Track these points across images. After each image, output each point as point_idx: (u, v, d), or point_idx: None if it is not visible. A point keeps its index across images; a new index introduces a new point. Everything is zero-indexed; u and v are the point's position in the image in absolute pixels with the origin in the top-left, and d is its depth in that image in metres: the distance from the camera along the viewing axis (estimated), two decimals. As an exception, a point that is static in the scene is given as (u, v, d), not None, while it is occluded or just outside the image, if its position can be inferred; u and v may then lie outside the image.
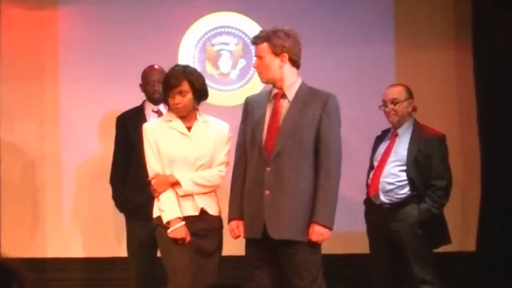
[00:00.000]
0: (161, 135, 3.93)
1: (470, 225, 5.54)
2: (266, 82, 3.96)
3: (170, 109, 4.01)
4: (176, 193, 3.89)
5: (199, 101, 4.01)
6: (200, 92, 3.97)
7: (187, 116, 3.98)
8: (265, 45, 3.86)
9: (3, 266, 1.95)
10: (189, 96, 3.93)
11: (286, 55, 3.85)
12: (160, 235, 3.93)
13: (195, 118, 3.99)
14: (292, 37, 3.88)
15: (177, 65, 4.11)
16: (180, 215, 3.85)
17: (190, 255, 3.84)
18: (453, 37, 5.79)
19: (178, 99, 3.92)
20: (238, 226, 3.90)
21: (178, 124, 3.96)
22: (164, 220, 3.85)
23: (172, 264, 3.86)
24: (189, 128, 3.97)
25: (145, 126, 4.04)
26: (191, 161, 3.91)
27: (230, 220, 3.94)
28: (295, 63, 3.90)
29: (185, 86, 3.92)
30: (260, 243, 3.82)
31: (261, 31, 4.02)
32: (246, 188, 3.88)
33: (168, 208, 3.86)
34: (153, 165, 3.93)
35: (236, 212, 3.91)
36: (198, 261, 3.87)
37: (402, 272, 4.54)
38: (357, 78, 5.71)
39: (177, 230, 3.83)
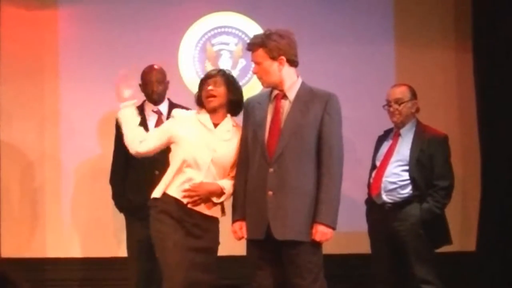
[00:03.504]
0: (187, 124, 3.92)
1: (470, 225, 5.55)
2: (267, 86, 3.94)
3: (203, 101, 3.95)
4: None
5: (232, 110, 3.99)
6: (234, 99, 3.98)
7: (216, 113, 3.95)
8: (260, 51, 3.83)
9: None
10: (222, 89, 3.94)
11: (283, 58, 3.82)
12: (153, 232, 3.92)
13: (224, 118, 3.97)
14: (286, 37, 3.84)
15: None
16: None
17: (183, 252, 3.81)
18: (453, 37, 5.81)
19: (211, 86, 3.92)
20: (241, 227, 3.88)
21: (206, 118, 3.94)
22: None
23: (165, 260, 3.83)
24: (215, 125, 3.95)
25: (175, 113, 4.04)
26: (207, 154, 3.87)
27: (233, 221, 3.92)
28: (293, 63, 3.88)
29: (220, 80, 3.95)
30: (262, 243, 3.81)
31: (254, 37, 3.96)
32: (248, 189, 3.87)
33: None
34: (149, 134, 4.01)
35: (239, 213, 3.89)
36: (193, 257, 3.84)
37: (403, 272, 4.54)
38: (357, 78, 5.72)
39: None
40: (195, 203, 3.86)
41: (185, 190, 3.85)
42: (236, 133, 3.98)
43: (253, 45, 3.87)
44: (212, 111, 3.95)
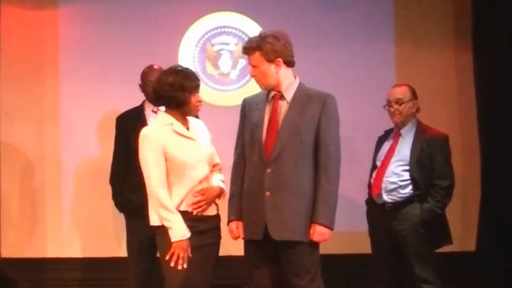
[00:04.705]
0: (169, 143, 3.79)
1: (470, 225, 5.55)
2: (265, 88, 3.94)
3: (192, 109, 3.87)
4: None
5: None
6: None
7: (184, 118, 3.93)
8: (257, 54, 3.83)
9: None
10: None
11: (280, 60, 3.83)
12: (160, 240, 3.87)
13: (185, 119, 3.92)
14: (282, 39, 3.84)
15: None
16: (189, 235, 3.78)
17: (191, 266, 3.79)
18: (453, 37, 5.81)
19: (200, 97, 3.88)
20: (237, 227, 3.91)
21: (180, 127, 3.85)
22: (174, 238, 3.75)
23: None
24: (187, 129, 3.89)
25: (149, 133, 3.83)
26: (205, 163, 3.85)
27: (229, 221, 3.94)
28: (290, 63, 3.88)
29: None
30: (259, 244, 3.82)
31: (249, 40, 3.94)
32: (245, 189, 3.88)
33: (178, 227, 3.76)
34: (159, 176, 3.80)
35: (235, 213, 3.91)
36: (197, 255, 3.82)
37: (404, 272, 4.54)
38: (357, 78, 5.72)
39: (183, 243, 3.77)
40: (203, 210, 3.84)
41: (195, 203, 3.80)
42: (197, 127, 3.93)
43: (249, 49, 3.86)
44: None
